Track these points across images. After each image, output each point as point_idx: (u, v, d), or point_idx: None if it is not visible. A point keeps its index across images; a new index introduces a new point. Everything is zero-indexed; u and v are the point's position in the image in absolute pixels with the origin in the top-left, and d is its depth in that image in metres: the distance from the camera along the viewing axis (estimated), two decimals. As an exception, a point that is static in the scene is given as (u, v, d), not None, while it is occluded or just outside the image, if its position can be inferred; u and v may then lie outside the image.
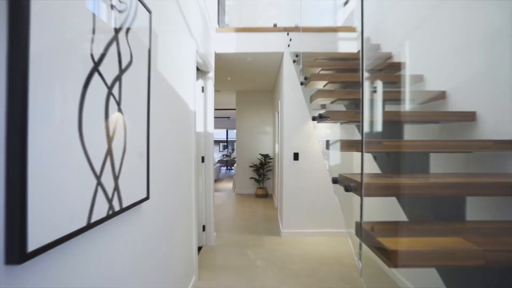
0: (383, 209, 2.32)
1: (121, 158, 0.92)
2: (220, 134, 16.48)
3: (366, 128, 1.50)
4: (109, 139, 0.85)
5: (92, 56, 0.75)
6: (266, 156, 5.53)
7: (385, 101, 1.64)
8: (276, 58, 3.36)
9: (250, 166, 5.79)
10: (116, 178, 0.89)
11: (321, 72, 1.92)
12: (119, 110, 0.91)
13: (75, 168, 0.68)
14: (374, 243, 0.73)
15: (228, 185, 7.84)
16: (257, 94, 5.91)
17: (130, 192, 1.00)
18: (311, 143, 3.19)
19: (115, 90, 0.88)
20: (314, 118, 1.50)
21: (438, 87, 1.65)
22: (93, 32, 0.76)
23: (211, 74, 2.92)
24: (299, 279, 2.25)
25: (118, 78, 0.90)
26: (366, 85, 1.76)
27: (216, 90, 5.81)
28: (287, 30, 3.09)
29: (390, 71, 2.01)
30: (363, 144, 0.82)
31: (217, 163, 10.56)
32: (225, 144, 16.12)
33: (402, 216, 1.35)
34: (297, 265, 2.48)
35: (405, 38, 2.13)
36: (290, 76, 3.15)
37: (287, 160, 3.20)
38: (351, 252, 2.76)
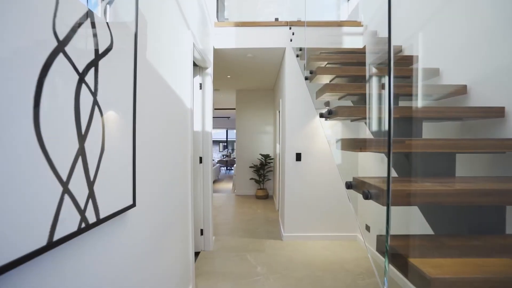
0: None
1: (98, 160, 0.77)
2: (220, 134, 16.36)
3: (375, 127, 1.35)
4: (81, 137, 0.70)
5: (55, 33, 0.61)
6: (266, 157, 5.39)
7: (398, 96, 1.49)
8: (277, 54, 3.21)
9: (250, 167, 5.64)
10: (91, 183, 0.74)
11: (328, 66, 1.77)
12: (95, 102, 0.76)
13: (28, 173, 0.54)
14: (406, 266, 0.58)
15: (227, 185, 7.69)
16: (257, 93, 5.77)
17: (111, 199, 0.85)
18: (314, 143, 3.04)
19: (89, 78, 0.73)
20: (321, 115, 1.36)
21: (457, 81, 1.51)
22: (57, 3, 0.61)
23: (210, 70, 2.77)
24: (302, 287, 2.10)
25: (93, 64, 0.75)
26: (375, 80, 1.62)
27: (216, 89, 5.66)
28: (290, 24, 2.94)
29: (401, 65, 1.86)
30: (390, 144, 0.67)
31: (217, 163, 10.42)
32: (225, 144, 15.99)
33: (419, 226, 1.21)
34: (300, 272, 2.34)
35: (418, 30, 1.98)
36: (292, 72, 3.00)
37: (288, 161, 3.06)
38: (355, 258, 2.62)
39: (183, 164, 1.82)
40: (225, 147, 15.81)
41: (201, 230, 2.75)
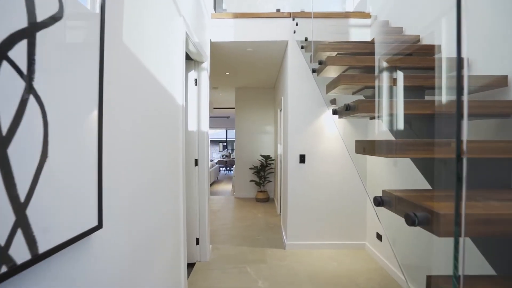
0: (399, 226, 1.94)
1: (34, 171, 0.55)
2: (219, 134, 16.18)
3: (397, 125, 1.13)
4: (1, 139, 0.48)
5: None
6: (267, 158, 5.16)
7: (425, 90, 1.27)
8: (279, 47, 2.99)
9: (250, 168, 5.42)
10: (21, 206, 0.51)
11: (338, 56, 1.55)
12: (30, 89, 0.54)
13: None
14: None
15: (227, 186, 7.48)
16: (257, 91, 5.54)
17: (61, 224, 0.63)
18: (319, 144, 2.82)
19: (17, 55, 0.51)
20: (335, 112, 1.13)
21: (491, 72, 1.28)
22: None
23: (206, 65, 2.55)
24: (309, 306, 1.88)
25: (25, 35, 0.53)
26: (387, 75, 1.40)
27: (214, 87, 5.44)
28: (293, 15, 2.72)
29: (422, 55, 1.64)
30: (459, 148, 0.45)
31: (216, 163, 10.19)
32: (225, 144, 15.79)
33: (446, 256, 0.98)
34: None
35: (439, 16, 1.76)
36: (295, 67, 2.78)
37: (292, 163, 2.83)
38: (365, 270, 2.39)
39: (173, 168, 1.59)
40: (225, 147, 15.60)
41: (197, 239, 2.52)
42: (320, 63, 1.42)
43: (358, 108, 0.93)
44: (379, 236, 2.54)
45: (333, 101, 2.75)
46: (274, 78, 4.61)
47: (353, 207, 2.85)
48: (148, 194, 1.22)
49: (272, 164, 5.30)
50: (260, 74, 4.34)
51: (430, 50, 1.69)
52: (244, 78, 4.64)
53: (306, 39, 2.13)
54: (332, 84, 1.24)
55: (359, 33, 2.87)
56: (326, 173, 2.83)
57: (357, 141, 0.92)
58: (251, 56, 3.30)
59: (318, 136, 2.81)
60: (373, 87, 1.19)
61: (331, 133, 2.81)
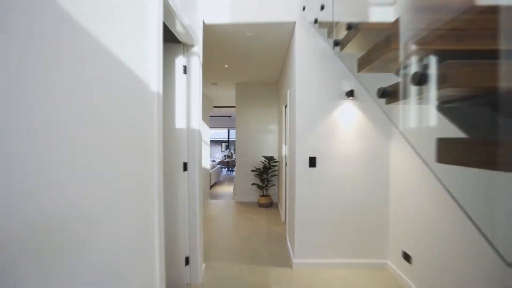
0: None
1: None
2: (221, 134, 15.81)
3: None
4: None
5: None
6: (270, 159, 4.71)
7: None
8: (284, 31, 2.54)
9: (252, 170, 4.99)
10: None
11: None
12: None
13: None
14: None
15: (228, 188, 7.07)
16: (259, 87, 5.10)
17: None
18: (333, 143, 2.37)
19: None
20: (384, 93, 0.69)
21: None
22: None
23: (197, 49, 2.11)
24: None
25: None
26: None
27: (213, 83, 5.02)
28: (301, -9, 2.27)
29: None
30: None
31: (218, 164, 9.79)
32: (227, 144, 15.40)
33: None
34: (319, 325, 1.67)
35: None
36: (304, 53, 2.33)
37: (300, 167, 2.39)
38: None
39: (141, 176, 1.16)
40: (227, 147, 15.22)
41: (186, 259, 2.09)
42: (350, 27, 0.98)
43: (449, 79, 0.49)
44: (406, 257, 2.08)
45: (350, 93, 2.30)
46: (277, 71, 4.16)
47: (372, 219, 2.40)
48: (88, 223, 0.79)
49: (276, 166, 4.86)
50: (262, 66, 3.89)
51: (489, 13, 1.24)
52: (245, 71, 4.20)
53: (322, 7, 1.68)
54: (374, 52, 0.80)
55: (379, 12, 2.41)
56: (341, 179, 2.38)
57: (449, 140, 0.48)
58: (251, 43, 2.86)
59: (331, 135, 2.36)
60: (456, 51, 0.74)
61: (346, 131, 2.36)
